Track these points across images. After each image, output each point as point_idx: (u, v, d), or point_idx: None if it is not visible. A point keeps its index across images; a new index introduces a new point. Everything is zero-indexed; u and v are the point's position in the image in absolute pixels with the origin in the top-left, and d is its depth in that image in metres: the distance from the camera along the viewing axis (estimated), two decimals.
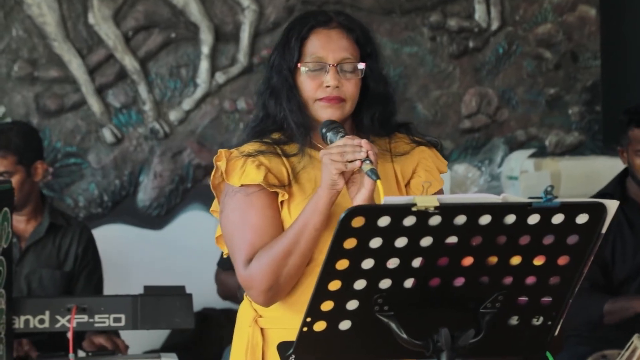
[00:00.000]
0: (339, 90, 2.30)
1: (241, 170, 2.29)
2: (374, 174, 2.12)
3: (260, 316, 2.32)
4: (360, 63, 2.33)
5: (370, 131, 2.35)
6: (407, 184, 2.38)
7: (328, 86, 2.29)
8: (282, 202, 2.29)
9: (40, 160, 3.69)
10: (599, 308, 3.71)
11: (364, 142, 2.16)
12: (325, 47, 2.31)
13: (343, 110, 2.31)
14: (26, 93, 4.62)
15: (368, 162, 2.13)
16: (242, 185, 2.28)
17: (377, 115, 2.36)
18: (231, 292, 4.18)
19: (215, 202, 2.39)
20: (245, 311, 2.37)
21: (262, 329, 2.32)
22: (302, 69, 2.31)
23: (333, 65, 2.30)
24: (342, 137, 2.20)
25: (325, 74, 2.30)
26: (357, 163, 2.14)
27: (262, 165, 2.28)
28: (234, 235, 2.28)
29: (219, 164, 2.33)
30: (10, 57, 4.59)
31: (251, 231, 2.25)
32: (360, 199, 2.17)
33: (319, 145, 2.31)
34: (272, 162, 2.31)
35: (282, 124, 2.34)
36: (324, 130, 2.25)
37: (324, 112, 2.30)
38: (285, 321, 2.24)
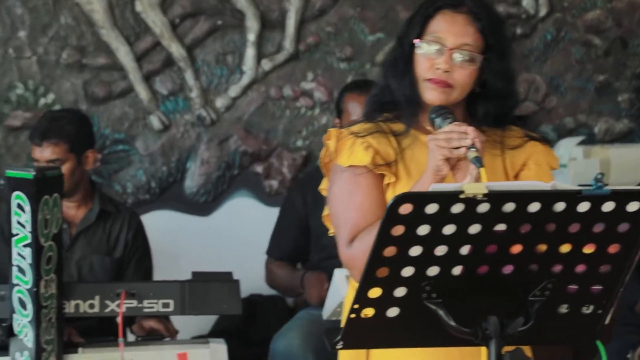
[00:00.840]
0: (448, 75, 2.26)
1: (349, 150, 2.29)
2: (478, 162, 2.10)
3: None
4: (478, 55, 2.28)
5: (484, 123, 2.33)
6: (516, 176, 2.35)
7: (438, 68, 2.26)
8: (387, 184, 2.29)
9: (91, 148, 3.72)
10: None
11: (470, 129, 2.14)
12: (448, 29, 2.28)
13: (448, 96, 2.28)
14: (75, 80, 4.65)
15: (473, 149, 2.11)
16: (349, 166, 2.28)
17: (492, 110, 2.32)
18: (278, 284, 4.19)
19: (324, 180, 2.40)
20: (350, 297, 2.37)
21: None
22: (419, 44, 2.29)
23: (450, 48, 2.27)
24: (450, 123, 2.18)
25: (440, 55, 2.27)
26: (463, 150, 2.12)
27: (370, 147, 2.29)
28: (339, 215, 2.30)
29: (329, 142, 2.33)
30: (59, 44, 4.62)
31: (356, 211, 2.26)
32: None
33: (427, 127, 2.30)
34: (380, 142, 2.30)
35: (396, 96, 2.32)
36: (433, 115, 2.24)
37: (428, 93, 2.28)
38: None
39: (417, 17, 2.32)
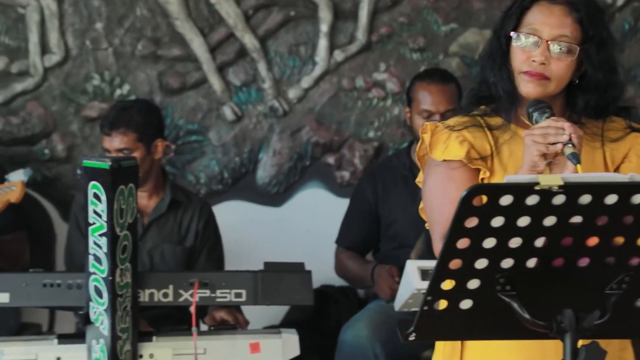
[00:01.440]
0: (544, 67, 2.24)
1: (444, 144, 2.28)
2: (575, 158, 2.07)
3: None
4: (575, 46, 2.25)
5: (584, 115, 2.30)
6: (617, 169, 2.32)
7: (534, 61, 2.24)
8: (482, 179, 2.27)
9: (160, 138, 3.74)
10: None
11: (567, 125, 2.11)
12: (544, 21, 2.25)
13: (545, 89, 2.25)
14: (149, 71, 4.70)
15: (570, 145, 2.09)
16: (444, 160, 2.27)
17: (592, 102, 2.29)
18: (347, 274, 4.19)
19: (420, 173, 2.39)
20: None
21: None
22: (515, 36, 2.27)
23: (546, 40, 2.24)
24: (547, 117, 2.16)
25: (537, 48, 2.24)
26: (559, 146, 2.10)
27: (465, 141, 2.27)
28: (433, 209, 2.29)
29: (425, 136, 2.32)
30: (135, 36, 4.67)
31: (450, 206, 2.20)
32: None
33: (525, 121, 2.27)
34: (475, 136, 2.29)
35: (493, 90, 2.31)
36: (530, 110, 2.21)
37: (525, 86, 2.26)
38: None
39: (513, 8, 2.29)
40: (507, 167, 2.27)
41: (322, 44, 4.76)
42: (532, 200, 1.80)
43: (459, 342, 2.30)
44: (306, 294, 3.04)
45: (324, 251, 4.24)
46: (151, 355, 3.00)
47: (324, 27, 4.75)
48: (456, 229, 1.84)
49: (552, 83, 2.25)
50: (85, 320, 2.89)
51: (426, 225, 2.37)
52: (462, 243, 1.85)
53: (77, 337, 3.00)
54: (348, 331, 3.88)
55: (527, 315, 1.90)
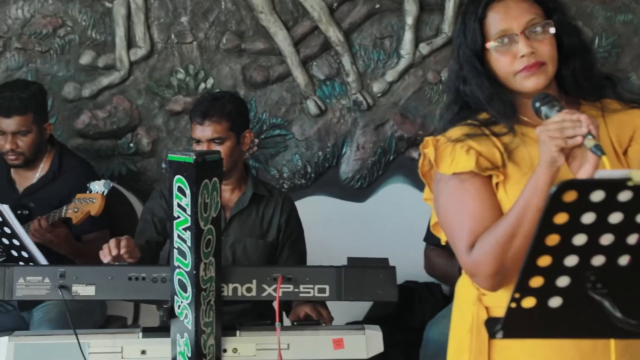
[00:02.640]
0: (535, 56, 2.21)
1: (451, 157, 2.23)
2: (599, 150, 2.02)
3: (484, 294, 2.27)
4: (548, 21, 2.24)
5: (575, 89, 2.27)
6: (625, 153, 2.28)
7: (523, 55, 2.21)
8: (497, 183, 2.23)
9: (248, 129, 3.75)
10: None
11: (583, 117, 2.05)
12: (506, 17, 2.23)
13: (547, 74, 2.22)
14: (233, 65, 4.71)
15: (590, 137, 2.03)
16: (454, 174, 2.23)
17: (577, 68, 2.27)
18: (435, 271, 4.14)
19: (426, 190, 2.35)
20: (466, 288, 2.32)
21: (486, 308, 2.27)
22: (491, 47, 2.24)
23: (521, 32, 2.22)
24: (559, 111, 2.11)
25: (516, 44, 2.22)
26: (579, 139, 2.04)
27: (471, 150, 2.22)
28: (452, 224, 2.24)
29: (427, 151, 2.28)
30: (219, 29, 4.69)
31: (469, 218, 2.19)
32: (584, 175, 2.07)
33: (527, 120, 2.24)
34: (482, 144, 2.24)
35: (484, 110, 2.27)
36: (537, 105, 2.16)
37: (528, 82, 2.22)
38: None
39: (469, 25, 2.25)
40: (523, 168, 2.21)
41: (408, 36, 4.73)
42: (624, 196, 1.75)
43: (486, 343, 2.26)
44: (390, 290, 3.01)
45: (408, 247, 4.20)
46: (235, 350, 3.00)
47: (410, 20, 4.72)
48: (545, 225, 1.79)
49: (549, 66, 2.22)
50: (170, 314, 2.90)
51: (442, 241, 2.32)
52: (552, 240, 1.80)
53: (162, 330, 3.01)
54: (434, 328, 3.84)
55: (619, 314, 1.85)
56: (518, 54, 2.21)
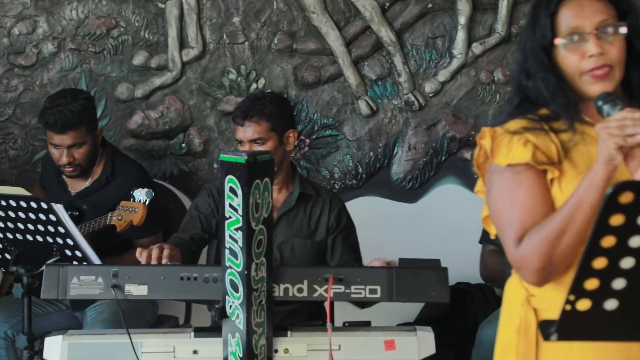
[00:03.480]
0: (604, 58, 2.19)
1: (507, 148, 2.21)
2: None
3: (532, 295, 2.25)
4: (621, 22, 2.20)
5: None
6: None
7: (591, 55, 2.18)
8: (552, 179, 2.20)
9: (292, 129, 3.72)
10: None
11: None
12: (579, 15, 2.21)
13: (613, 79, 2.20)
14: (285, 65, 4.71)
15: None
16: (508, 165, 2.21)
17: None
18: (490, 272, 4.10)
19: (479, 182, 2.34)
20: (515, 289, 2.30)
21: (535, 309, 2.24)
22: (560, 43, 2.21)
23: (592, 32, 2.19)
24: (621, 109, 2.08)
25: (586, 43, 2.19)
26: (639, 138, 2.02)
27: (529, 143, 2.20)
28: (502, 215, 2.21)
29: (483, 142, 2.26)
30: (271, 29, 4.69)
31: (520, 210, 2.17)
32: None
33: (588, 119, 2.22)
34: (539, 138, 2.21)
35: (545, 105, 2.25)
36: (599, 103, 2.13)
37: (594, 88, 2.19)
38: (560, 302, 2.16)
39: (540, 20, 2.23)
40: (579, 166, 2.18)
41: (460, 36, 4.70)
42: None
43: (534, 344, 2.23)
44: (442, 291, 2.99)
45: (460, 248, 4.18)
46: (286, 350, 2.99)
47: (462, 20, 4.69)
48: (600, 227, 1.77)
49: (616, 70, 2.20)
50: (221, 314, 2.90)
51: (491, 235, 2.29)
52: (607, 241, 1.78)
53: (213, 330, 3.01)
54: (487, 328, 3.81)
55: None
56: (587, 53, 2.19)
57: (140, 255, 3.15)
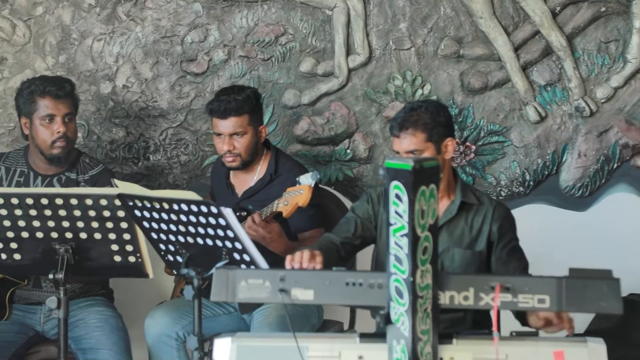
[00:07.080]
0: None
1: None
2: None
3: None
4: None
5: None
6: None
7: None
8: None
9: (450, 137, 3.66)
10: None
11: None
12: None
13: None
14: (451, 71, 4.68)
15: None
16: None
17: None
18: None
19: None
20: None
21: None
22: None
23: None
24: None
25: None
26: None
27: None
28: None
29: None
30: (438, 35, 4.67)
31: None
32: None
33: None
34: None
35: None
36: None
37: None
38: None
39: None
40: None
41: (635, 40, 4.58)
42: None
43: None
44: (614, 303, 2.90)
45: (633, 258, 4.07)
46: (451, 358, 2.96)
47: (637, 23, 4.57)
48: None
49: None
50: (386, 320, 2.90)
51: None
52: None
53: (378, 336, 3.01)
54: None
55: None
56: None
57: (290, 262, 3.20)
